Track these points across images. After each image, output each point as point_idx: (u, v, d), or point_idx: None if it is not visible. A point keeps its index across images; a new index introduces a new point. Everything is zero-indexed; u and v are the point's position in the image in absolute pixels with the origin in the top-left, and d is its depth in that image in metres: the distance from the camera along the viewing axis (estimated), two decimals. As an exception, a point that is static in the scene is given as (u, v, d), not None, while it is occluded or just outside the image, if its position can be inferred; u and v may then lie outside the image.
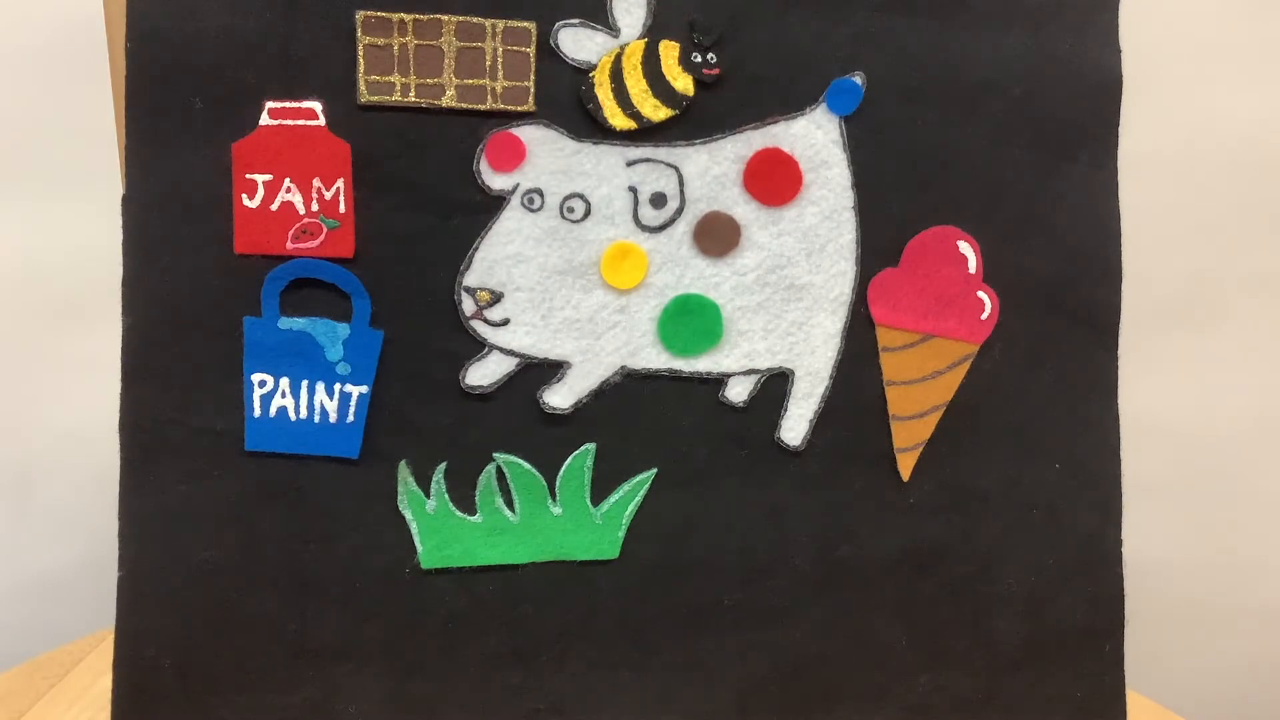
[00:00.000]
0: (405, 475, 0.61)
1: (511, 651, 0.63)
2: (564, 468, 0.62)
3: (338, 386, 0.61)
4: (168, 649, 0.61)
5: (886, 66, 0.61)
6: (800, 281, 0.62)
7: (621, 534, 0.63)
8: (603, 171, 0.61)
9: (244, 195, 0.60)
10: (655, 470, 0.63)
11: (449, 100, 0.60)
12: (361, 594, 0.61)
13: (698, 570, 0.64)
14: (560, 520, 0.62)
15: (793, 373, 0.63)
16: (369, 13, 0.59)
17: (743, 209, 0.62)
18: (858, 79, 0.61)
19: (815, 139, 0.61)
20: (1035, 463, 0.65)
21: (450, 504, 0.62)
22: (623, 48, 0.60)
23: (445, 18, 0.59)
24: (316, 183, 0.60)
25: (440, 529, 0.62)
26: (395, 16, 0.59)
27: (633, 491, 0.63)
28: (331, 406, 0.61)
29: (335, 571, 0.61)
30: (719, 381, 0.63)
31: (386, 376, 0.61)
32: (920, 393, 0.63)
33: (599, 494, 0.62)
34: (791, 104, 0.61)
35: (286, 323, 0.60)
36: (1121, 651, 0.66)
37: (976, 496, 0.65)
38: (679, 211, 0.62)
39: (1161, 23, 0.81)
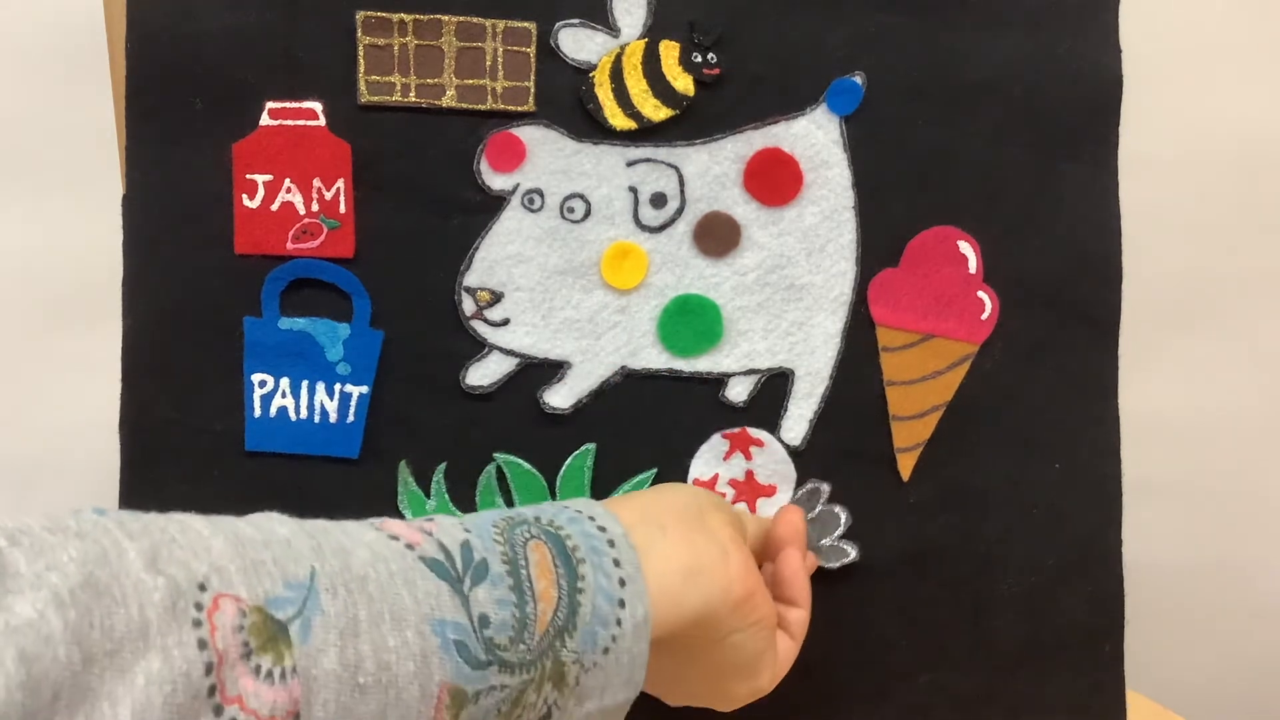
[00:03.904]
0: (405, 475, 0.61)
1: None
2: (564, 468, 0.62)
3: (338, 386, 0.61)
4: (168, 649, 0.61)
5: (887, 66, 0.61)
6: (800, 281, 0.62)
7: (622, 534, 0.63)
8: (603, 171, 0.61)
9: (244, 195, 0.60)
10: (655, 470, 0.63)
11: (449, 100, 0.60)
12: (362, 594, 0.61)
13: (698, 570, 0.64)
14: (560, 520, 0.62)
15: (793, 373, 0.63)
16: (369, 13, 0.59)
17: (743, 209, 0.62)
18: (858, 79, 0.61)
19: (815, 139, 0.61)
20: (1035, 462, 0.65)
21: (450, 504, 0.62)
22: (623, 48, 0.60)
23: (445, 18, 0.59)
24: (317, 183, 0.60)
25: (440, 529, 0.62)
26: (395, 17, 0.59)
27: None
28: (332, 406, 0.61)
29: (335, 571, 0.61)
30: (719, 381, 0.63)
31: (387, 376, 0.61)
32: (920, 393, 0.63)
33: (599, 494, 0.62)
34: (792, 104, 0.61)
35: (287, 323, 0.60)
36: (1121, 651, 0.66)
37: (976, 496, 0.65)
38: (679, 211, 0.62)
39: (1162, 22, 0.81)
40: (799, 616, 0.56)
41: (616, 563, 0.46)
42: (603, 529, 0.47)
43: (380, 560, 0.41)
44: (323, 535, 0.41)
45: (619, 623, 0.45)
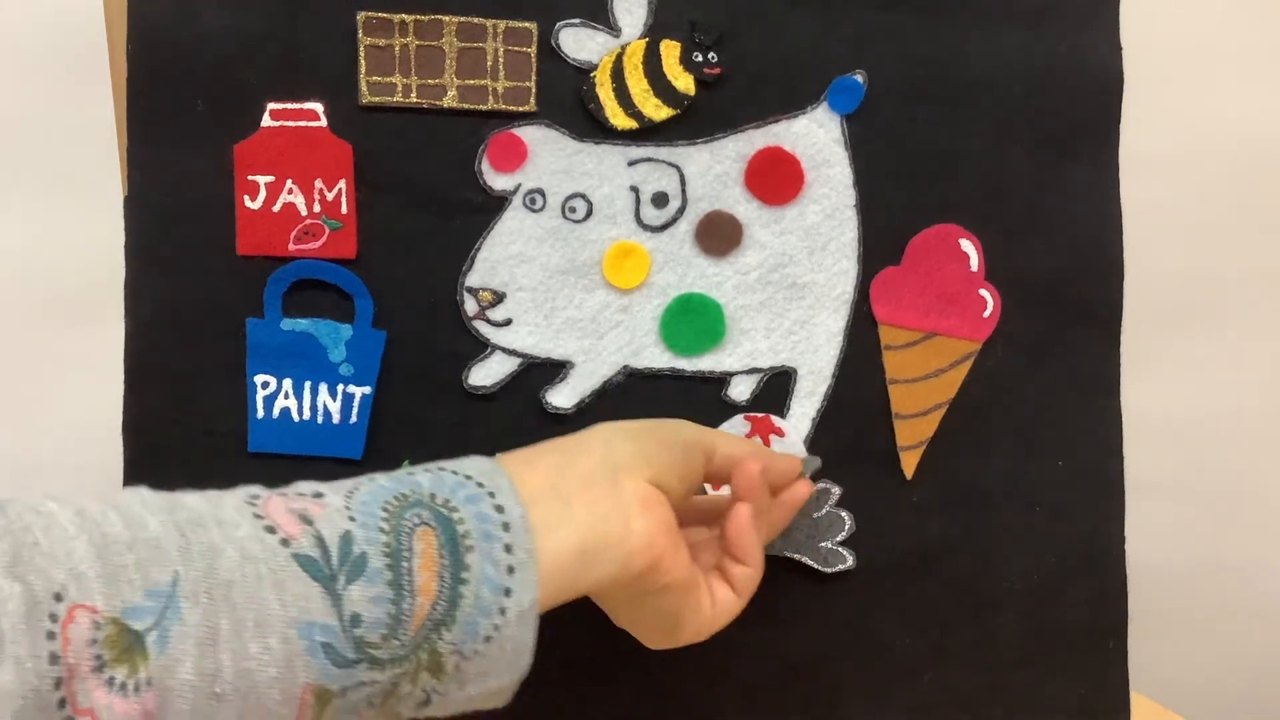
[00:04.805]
0: (408, 476, 0.61)
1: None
2: (567, 467, 0.62)
3: (340, 387, 0.61)
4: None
5: (888, 65, 0.61)
6: (802, 280, 0.62)
7: (624, 534, 0.63)
8: (604, 171, 0.61)
9: (246, 196, 0.60)
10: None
11: (450, 101, 0.60)
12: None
13: (701, 570, 0.64)
14: (563, 520, 0.62)
15: (795, 371, 0.63)
16: (370, 13, 0.59)
17: (744, 208, 0.62)
18: (859, 77, 0.61)
19: (817, 137, 0.61)
20: (1038, 460, 0.65)
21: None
22: (624, 47, 0.60)
23: (446, 18, 0.59)
24: (318, 184, 0.60)
25: (443, 529, 0.61)
26: (396, 17, 0.59)
27: (636, 491, 0.63)
28: (334, 407, 0.61)
29: (338, 572, 0.61)
30: (721, 381, 0.63)
31: (389, 377, 0.61)
32: (923, 391, 0.63)
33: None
34: (793, 103, 0.61)
35: (289, 324, 0.60)
36: (1125, 649, 0.66)
37: (979, 494, 0.65)
38: (681, 211, 0.62)
39: (1162, 20, 0.81)
40: (745, 574, 0.55)
41: (508, 548, 0.45)
42: (500, 508, 0.46)
43: (250, 561, 0.40)
44: (194, 531, 0.40)
45: (503, 611, 0.45)
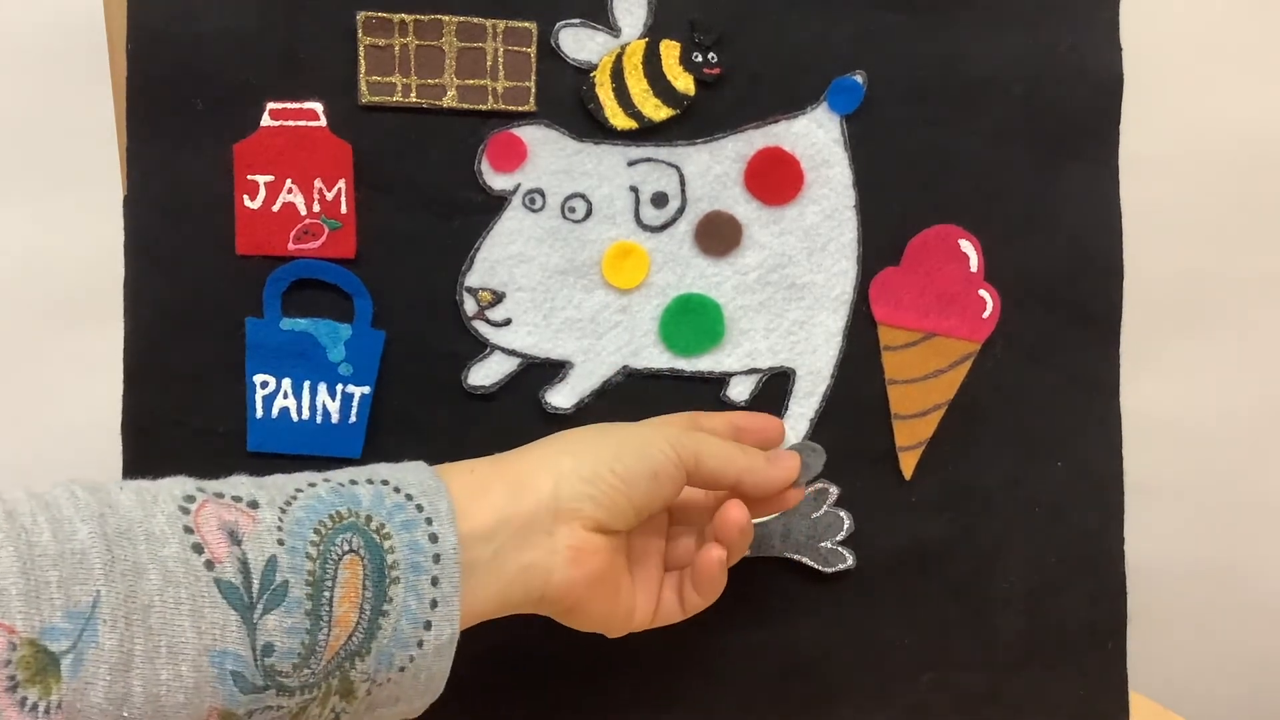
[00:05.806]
0: (407, 476, 0.61)
1: (512, 654, 0.63)
2: (566, 467, 0.62)
3: (340, 387, 0.61)
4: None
5: (888, 65, 0.61)
6: (802, 280, 0.62)
7: (624, 534, 0.63)
8: (604, 171, 0.61)
9: (245, 196, 0.60)
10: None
11: (450, 101, 0.60)
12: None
13: (700, 570, 0.63)
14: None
15: (794, 372, 0.63)
16: (369, 13, 0.59)
17: (744, 208, 0.62)
18: (859, 78, 0.61)
19: (816, 138, 0.61)
20: (1037, 461, 0.65)
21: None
22: (623, 47, 0.60)
23: (446, 18, 0.59)
24: (318, 183, 0.60)
25: (442, 529, 0.61)
26: (396, 17, 0.59)
27: (635, 491, 0.63)
28: (334, 407, 0.61)
29: (337, 572, 0.61)
30: (721, 381, 0.63)
31: (388, 377, 0.61)
32: (922, 391, 0.63)
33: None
34: (793, 103, 0.61)
35: (288, 323, 0.60)
36: (1124, 649, 0.66)
37: (978, 495, 0.65)
38: (680, 211, 0.62)
39: (1162, 20, 0.81)
40: (698, 603, 0.55)
41: (434, 581, 0.46)
42: (434, 538, 0.46)
43: (171, 585, 0.40)
44: (120, 545, 0.40)
45: (420, 644, 0.45)
